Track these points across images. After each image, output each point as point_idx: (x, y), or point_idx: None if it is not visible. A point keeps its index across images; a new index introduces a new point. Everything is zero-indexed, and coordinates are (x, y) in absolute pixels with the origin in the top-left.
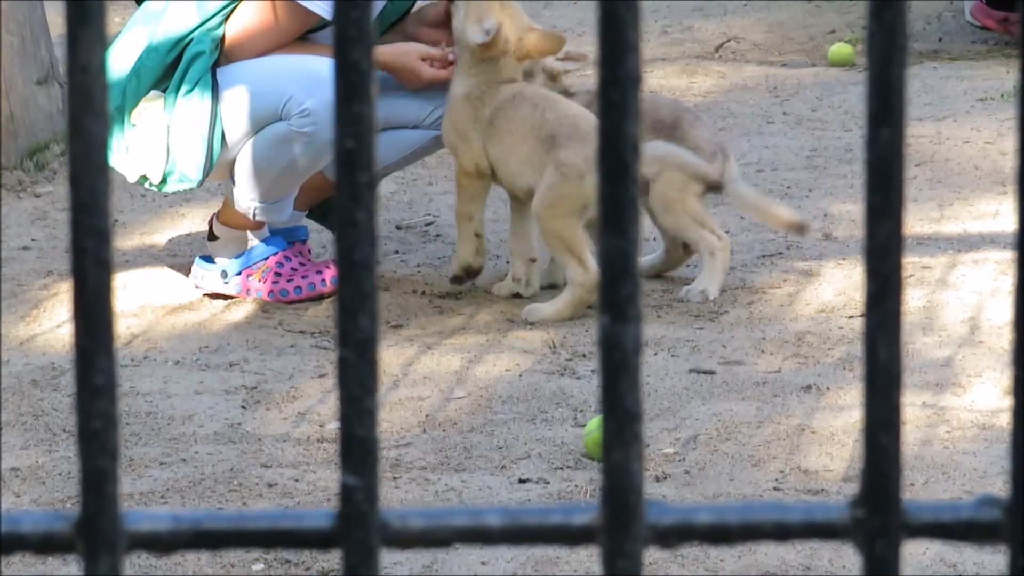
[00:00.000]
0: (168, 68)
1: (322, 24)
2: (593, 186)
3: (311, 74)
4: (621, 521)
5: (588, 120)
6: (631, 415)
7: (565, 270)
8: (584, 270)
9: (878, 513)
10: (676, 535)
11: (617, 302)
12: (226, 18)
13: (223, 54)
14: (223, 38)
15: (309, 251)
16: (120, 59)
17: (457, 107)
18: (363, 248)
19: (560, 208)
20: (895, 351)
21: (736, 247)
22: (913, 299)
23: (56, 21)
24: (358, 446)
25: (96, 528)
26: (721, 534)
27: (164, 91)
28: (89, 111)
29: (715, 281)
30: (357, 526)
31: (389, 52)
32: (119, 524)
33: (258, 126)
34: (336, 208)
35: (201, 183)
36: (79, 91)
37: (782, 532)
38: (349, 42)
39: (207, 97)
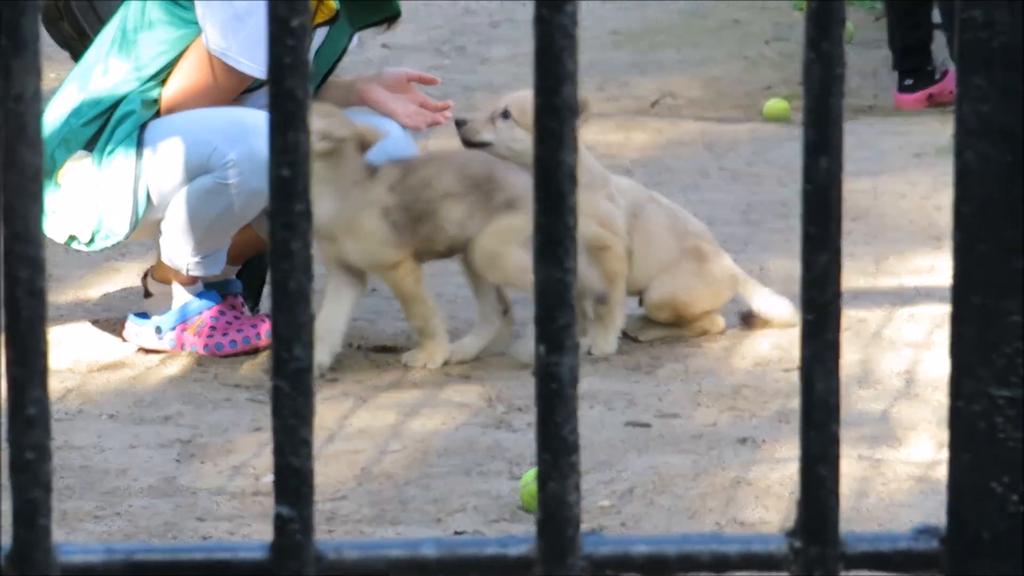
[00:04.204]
0: (98, 130)
1: (258, 84)
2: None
3: (236, 124)
4: (558, 551)
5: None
6: (567, 445)
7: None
8: None
9: (816, 543)
10: (613, 565)
11: (553, 332)
12: (161, 81)
13: (161, 115)
14: (159, 99)
15: (243, 304)
16: (50, 120)
17: (375, 218)
18: (298, 277)
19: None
20: (833, 382)
21: None
22: (849, 352)
23: None
24: (293, 476)
25: (29, 560)
26: (658, 565)
27: (92, 150)
28: (23, 140)
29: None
30: (292, 557)
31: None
32: (52, 556)
33: (185, 178)
34: (270, 237)
35: (128, 235)
36: (13, 120)
37: (720, 563)
38: (284, 70)
39: (131, 153)
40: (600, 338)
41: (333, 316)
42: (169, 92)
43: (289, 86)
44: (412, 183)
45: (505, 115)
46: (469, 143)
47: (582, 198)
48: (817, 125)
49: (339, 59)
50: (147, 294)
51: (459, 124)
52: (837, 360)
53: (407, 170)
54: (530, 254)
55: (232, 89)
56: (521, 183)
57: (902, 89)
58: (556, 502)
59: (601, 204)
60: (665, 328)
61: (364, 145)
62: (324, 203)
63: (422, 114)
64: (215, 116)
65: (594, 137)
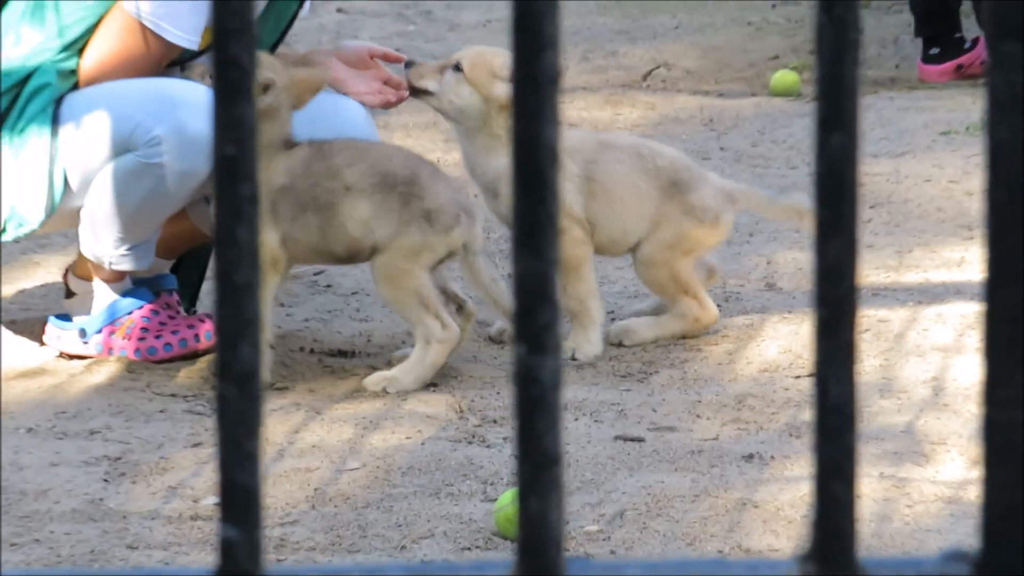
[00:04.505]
0: (8, 106)
1: (190, 55)
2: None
3: (160, 97)
4: None
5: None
6: (549, 458)
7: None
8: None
9: (831, 569)
10: None
11: (534, 331)
12: (79, 50)
13: (79, 87)
14: (77, 70)
15: (179, 303)
16: None
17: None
18: (245, 269)
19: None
20: (849, 387)
21: None
22: (869, 357)
23: None
24: (239, 494)
25: None
26: None
27: (1, 128)
28: None
29: (413, 374)
30: None
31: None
32: None
33: (106, 158)
34: (215, 223)
35: (43, 224)
36: None
37: None
38: (229, 36)
39: (45, 130)
40: (581, 338)
41: None
42: (87, 63)
43: (234, 52)
44: (317, 169)
45: (456, 68)
46: (412, 87)
47: None
48: (830, 98)
49: (288, 28)
50: (68, 293)
51: (408, 65)
52: (853, 362)
53: (317, 155)
54: (428, 280)
55: (158, 59)
56: (445, 195)
57: (927, 59)
58: (537, 521)
59: None
60: (653, 330)
61: (307, 90)
62: None
63: (386, 92)
64: (138, 88)
65: (578, 114)
